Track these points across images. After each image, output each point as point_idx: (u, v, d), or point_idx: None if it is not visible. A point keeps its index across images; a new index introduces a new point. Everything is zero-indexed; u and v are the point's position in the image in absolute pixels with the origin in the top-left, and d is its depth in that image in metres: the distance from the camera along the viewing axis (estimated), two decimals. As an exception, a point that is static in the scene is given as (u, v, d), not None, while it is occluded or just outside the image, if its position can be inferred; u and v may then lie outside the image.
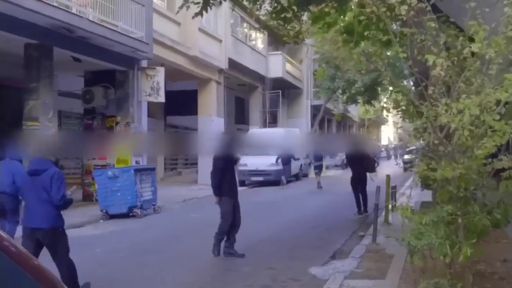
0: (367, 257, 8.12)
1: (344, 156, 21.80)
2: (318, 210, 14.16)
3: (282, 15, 5.33)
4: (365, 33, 5.73)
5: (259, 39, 29.74)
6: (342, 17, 13.89)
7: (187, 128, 26.22)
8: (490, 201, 4.76)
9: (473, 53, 4.39)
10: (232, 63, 24.44)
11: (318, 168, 21.23)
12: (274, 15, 10.78)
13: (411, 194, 9.62)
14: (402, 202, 8.96)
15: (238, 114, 30.24)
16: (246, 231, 10.64)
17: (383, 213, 11.60)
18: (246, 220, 12.19)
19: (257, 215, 13.31)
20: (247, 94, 30.05)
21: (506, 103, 3.52)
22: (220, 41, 23.34)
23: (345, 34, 5.67)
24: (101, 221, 12.46)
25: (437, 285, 4.67)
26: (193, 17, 10.40)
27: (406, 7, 3.81)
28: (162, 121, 24.95)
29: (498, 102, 3.53)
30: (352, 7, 11.11)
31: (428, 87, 4.11)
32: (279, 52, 30.54)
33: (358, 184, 13.05)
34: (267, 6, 10.91)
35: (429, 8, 3.88)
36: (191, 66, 20.80)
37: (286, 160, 22.61)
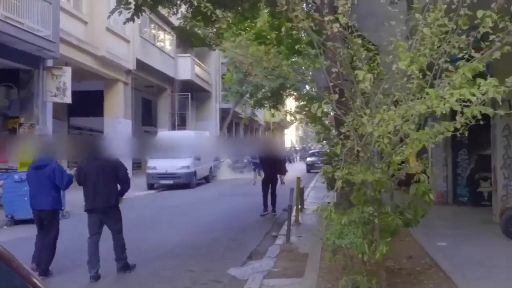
0: (282, 256, 8.43)
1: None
2: (230, 212, 14.35)
3: (216, 24, 5.43)
4: (296, 47, 5.99)
5: (167, 41, 29.53)
6: (253, 24, 14.30)
7: (92, 130, 25.44)
8: (402, 202, 5.19)
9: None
10: (140, 64, 24.11)
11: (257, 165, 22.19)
12: (195, 19, 10.86)
13: (318, 196, 10.08)
14: (323, 203, 9.30)
15: (145, 116, 29.80)
16: (162, 235, 10.65)
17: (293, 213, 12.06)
18: (161, 225, 12.19)
19: (170, 219, 13.31)
20: (155, 95, 29.72)
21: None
22: (128, 41, 22.92)
23: (275, 46, 5.91)
24: (5, 227, 11.85)
25: (355, 282, 5.03)
26: (124, 23, 10.36)
27: (338, 25, 4.10)
28: (65, 122, 23.99)
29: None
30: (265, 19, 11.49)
31: (353, 98, 4.43)
32: (188, 54, 30.49)
33: (269, 185, 13.45)
34: (183, 10, 10.98)
35: (355, 24, 4.20)
36: (98, 66, 20.28)
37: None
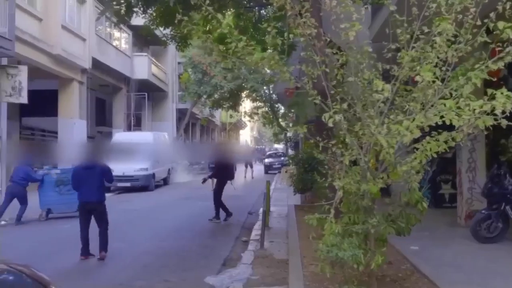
0: (258, 263, 8.25)
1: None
2: (194, 217, 14.05)
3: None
4: (301, 54, 5.84)
5: (123, 39, 28.82)
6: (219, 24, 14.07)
7: (44, 130, 24.56)
8: (393, 210, 5.14)
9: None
10: (96, 63, 23.43)
11: None
12: (158, 20, 10.65)
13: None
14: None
15: (100, 116, 28.97)
16: (129, 242, 10.28)
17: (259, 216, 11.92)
18: (125, 231, 11.78)
19: (134, 225, 12.91)
20: (110, 95, 28.95)
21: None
22: (84, 39, 22.22)
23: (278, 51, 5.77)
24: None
25: (348, 292, 4.95)
26: (115, 25, 10.07)
27: (354, 33, 4.00)
28: (17, 122, 22.98)
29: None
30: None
31: (353, 107, 4.34)
32: (144, 53, 29.88)
33: (218, 190, 13.13)
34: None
35: (367, 34, 4.11)
36: (53, 64, 19.54)
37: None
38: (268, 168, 35.41)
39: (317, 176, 5.45)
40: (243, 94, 31.94)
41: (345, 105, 4.31)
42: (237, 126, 58.66)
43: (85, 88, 23.18)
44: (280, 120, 33.47)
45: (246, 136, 76.22)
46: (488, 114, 3.68)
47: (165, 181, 24.85)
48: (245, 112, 34.65)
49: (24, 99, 14.99)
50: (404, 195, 4.94)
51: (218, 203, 12.97)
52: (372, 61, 4.36)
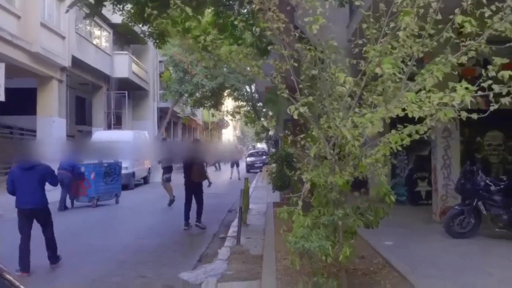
0: (233, 259, 8.30)
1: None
2: (174, 215, 13.98)
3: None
4: (269, 48, 5.87)
5: (103, 38, 28.64)
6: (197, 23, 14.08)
7: (23, 129, 24.29)
8: (361, 203, 5.22)
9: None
10: (76, 61, 23.26)
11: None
12: (135, 16, 10.62)
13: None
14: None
15: (79, 115, 28.74)
16: (107, 239, 10.27)
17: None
18: (104, 228, 11.75)
19: (113, 222, 12.91)
20: (90, 94, 28.73)
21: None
22: (63, 37, 22.05)
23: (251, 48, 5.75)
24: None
25: (316, 284, 5.02)
26: (84, 18, 9.97)
27: (317, 26, 4.06)
28: (-6, 121, 22.74)
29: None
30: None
31: (321, 101, 4.40)
32: (125, 52, 29.70)
33: (192, 193, 11.99)
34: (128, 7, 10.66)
35: (345, 33, 4.18)
36: (32, 62, 19.35)
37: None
38: (249, 167, 35.44)
39: (287, 170, 5.54)
40: (225, 93, 31.99)
41: (311, 98, 4.38)
42: (220, 125, 58.68)
43: (65, 87, 23.00)
44: (262, 119, 33.59)
45: (229, 135, 76.28)
46: (462, 109, 3.76)
47: (145, 180, 24.74)
48: (227, 111, 34.66)
49: (1, 97, 14.83)
50: (374, 189, 5.02)
51: (199, 205, 11.95)
52: (340, 56, 4.45)
